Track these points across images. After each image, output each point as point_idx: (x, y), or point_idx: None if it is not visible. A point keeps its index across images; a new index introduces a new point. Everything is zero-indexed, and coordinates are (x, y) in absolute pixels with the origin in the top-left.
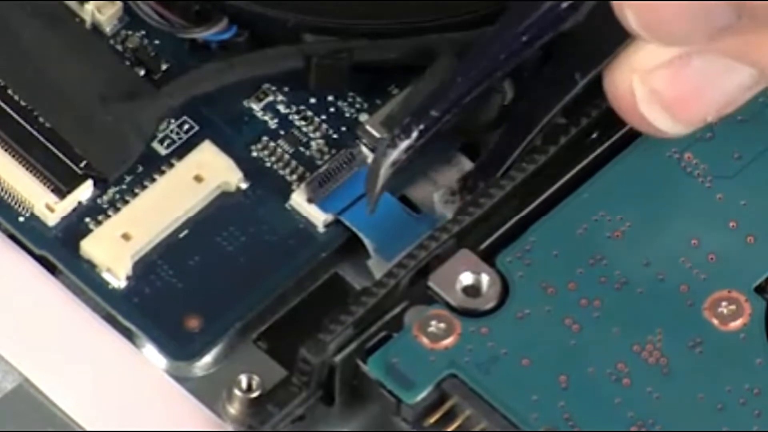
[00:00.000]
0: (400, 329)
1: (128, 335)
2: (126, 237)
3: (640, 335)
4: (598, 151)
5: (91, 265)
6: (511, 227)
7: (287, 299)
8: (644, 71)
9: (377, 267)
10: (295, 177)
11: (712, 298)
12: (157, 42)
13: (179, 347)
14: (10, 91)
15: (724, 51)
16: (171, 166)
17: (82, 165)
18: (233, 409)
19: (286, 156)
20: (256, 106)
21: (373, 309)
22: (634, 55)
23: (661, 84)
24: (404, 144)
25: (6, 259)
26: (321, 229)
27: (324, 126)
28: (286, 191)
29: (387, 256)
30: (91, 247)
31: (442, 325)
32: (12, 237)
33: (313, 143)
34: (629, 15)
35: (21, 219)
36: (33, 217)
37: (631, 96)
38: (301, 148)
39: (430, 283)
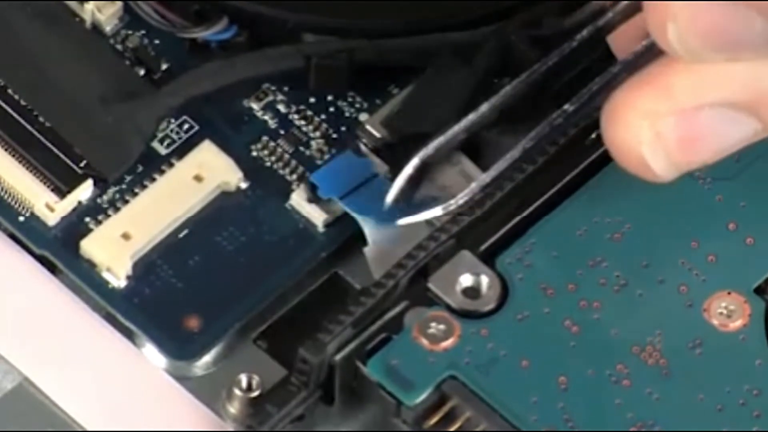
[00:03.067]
0: (399, 331)
1: (128, 335)
2: (126, 237)
3: (639, 336)
4: (598, 152)
5: (91, 265)
6: (510, 229)
7: (287, 299)
8: (655, 116)
9: (374, 258)
10: (294, 177)
11: (711, 299)
12: (157, 42)
13: (179, 347)
14: (10, 91)
15: (739, 105)
16: (171, 165)
17: (82, 165)
18: (233, 409)
19: (286, 156)
20: (256, 106)
21: (372, 309)
22: (643, 99)
23: (668, 129)
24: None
25: (6, 259)
26: (321, 228)
27: (324, 125)
28: (286, 191)
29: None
30: (91, 246)
31: (441, 326)
32: (12, 236)
33: (313, 143)
34: (670, 28)
35: (21, 219)
36: (33, 217)
37: (637, 139)
38: (301, 148)
39: (430, 285)
